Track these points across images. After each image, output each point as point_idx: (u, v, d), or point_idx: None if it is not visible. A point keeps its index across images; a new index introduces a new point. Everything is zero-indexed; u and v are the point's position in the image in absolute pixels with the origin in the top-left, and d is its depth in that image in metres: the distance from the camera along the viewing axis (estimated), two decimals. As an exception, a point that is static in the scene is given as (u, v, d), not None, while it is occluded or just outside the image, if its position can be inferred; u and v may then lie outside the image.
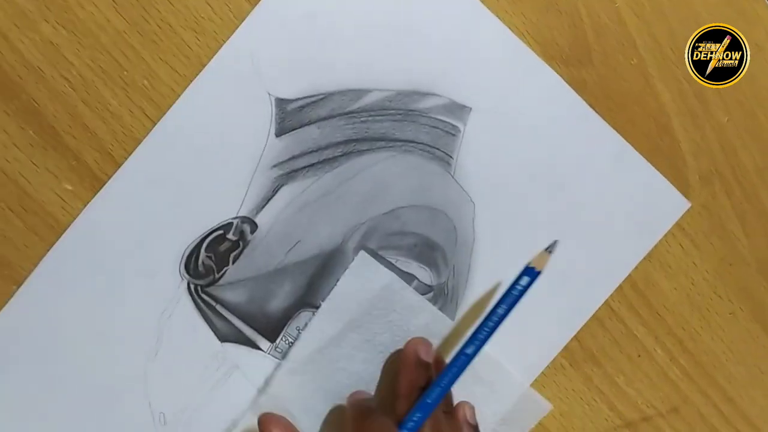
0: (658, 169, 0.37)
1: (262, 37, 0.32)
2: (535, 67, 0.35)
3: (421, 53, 0.34)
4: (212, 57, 0.32)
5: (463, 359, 0.32)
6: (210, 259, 0.33)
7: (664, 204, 0.37)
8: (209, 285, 0.34)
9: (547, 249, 0.33)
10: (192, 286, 0.33)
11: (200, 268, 0.33)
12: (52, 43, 0.31)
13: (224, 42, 0.32)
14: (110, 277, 0.33)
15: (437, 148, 0.35)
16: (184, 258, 0.33)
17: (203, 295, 0.34)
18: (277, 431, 0.32)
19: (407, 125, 0.34)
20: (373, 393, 0.35)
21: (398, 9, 0.33)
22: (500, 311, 0.32)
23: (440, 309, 0.36)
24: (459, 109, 0.35)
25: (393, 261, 0.35)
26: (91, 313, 0.33)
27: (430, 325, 0.36)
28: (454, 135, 0.35)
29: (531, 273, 0.32)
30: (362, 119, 0.34)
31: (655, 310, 0.39)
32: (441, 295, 0.36)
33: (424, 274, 0.36)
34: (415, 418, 0.31)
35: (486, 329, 0.32)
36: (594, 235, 0.37)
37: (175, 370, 0.34)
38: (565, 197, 0.36)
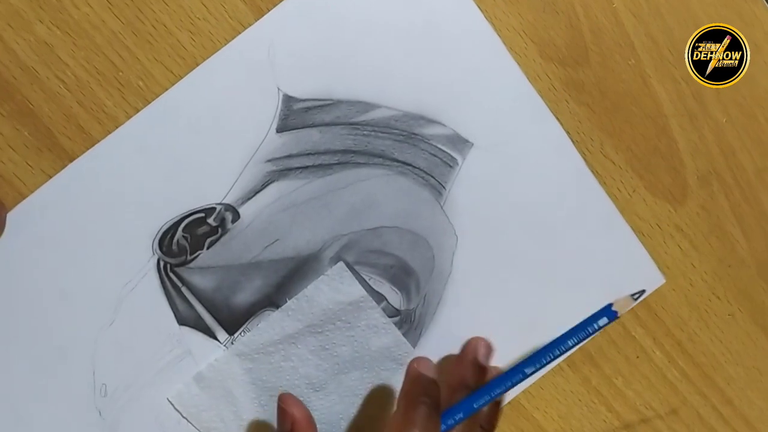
0: (655, 171, 0.37)
1: (284, 31, 0.32)
2: (543, 116, 0.35)
3: (436, 80, 0.34)
4: (207, 57, 0.32)
5: (520, 376, 0.32)
6: (185, 240, 0.33)
7: (641, 277, 0.38)
8: (179, 265, 0.33)
9: (633, 295, 0.32)
10: (161, 264, 0.33)
11: (174, 247, 0.33)
12: (47, 44, 0.31)
13: (220, 42, 0.32)
14: (82, 238, 0.32)
15: (432, 176, 0.35)
16: (160, 234, 0.33)
17: (171, 275, 0.33)
18: (297, 412, 0.32)
19: (407, 147, 0.34)
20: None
21: (423, 33, 0.33)
22: (570, 342, 0.32)
23: (404, 334, 0.36)
24: (461, 143, 0.35)
25: (367, 278, 0.35)
26: (55, 270, 0.32)
27: (392, 349, 0.36)
28: (451, 166, 0.35)
29: (610, 314, 0.32)
30: (365, 132, 0.34)
31: (654, 311, 0.38)
32: (407, 321, 0.36)
33: (395, 297, 0.35)
34: (456, 417, 0.32)
35: (551, 355, 0.32)
36: (568, 290, 0.37)
37: (127, 343, 0.33)
38: (546, 250, 0.36)
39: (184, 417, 0.34)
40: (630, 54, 0.36)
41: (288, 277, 0.34)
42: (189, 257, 0.33)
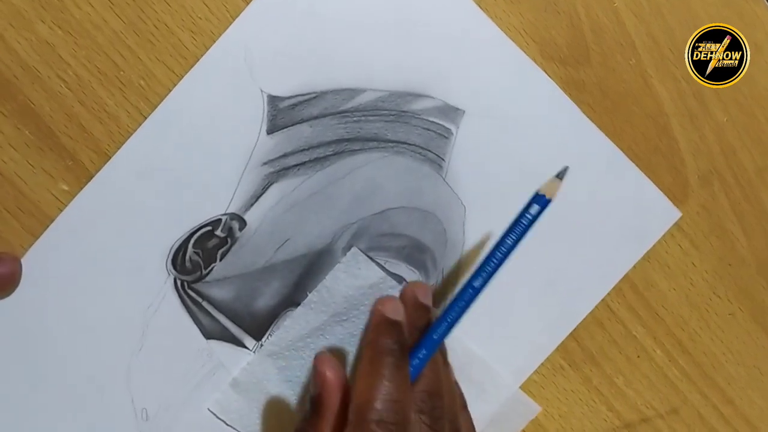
0: (656, 170, 0.37)
1: (256, 34, 0.32)
2: (530, 72, 0.35)
3: (416, 55, 0.34)
4: (209, 57, 0.32)
5: (471, 292, 0.31)
6: (197, 255, 0.33)
7: (655, 213, 0.37)
8: (196, 281, 0.33)
9: (557, 175, 0.31)
10: (178, 282, 0.33)
11: (187, 264, 0.33)
12: (49, 44, 0.31)
13: (221, 42, 0.32)
14: (96, 270, 0.32)
15: (429, 150, 0.35)
16: (172, 253, 0.33)
17: (190, 292, 0.33)
18: (330, 373, 0.31)
19: (400, 126, 0.34)
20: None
21: (394, 9, 0.33)
22: (509, 241, 0.31)
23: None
24: (452, 112, 0.35)
25: (382, 262, 0.35)
26: (76, 307, 0.32)
27: None
28: (446, 137, 0.35)
29: (541, 201, 0.31)
30: (355, 119, 0.34)
31: (654, 310, 0.38)
32: None
33: (413, 277, 0.35)
34: (420, 355, 0.31)
35: (494, 260, 0.31)
36: (584, 241, 0.36)
37: (159, 366, 0.33)
38: (556, 204, 0.36)
39: (228, 425, 0.34)
40: (631, 54, 0.36)
41: (304, 275, 0.34)
42: (204, 272, 0.33)
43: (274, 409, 0.35)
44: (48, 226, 0.32)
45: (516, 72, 0.35)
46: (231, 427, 0.35)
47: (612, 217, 0.37)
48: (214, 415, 0.34)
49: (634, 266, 0.38)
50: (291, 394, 0.35)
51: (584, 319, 0.38)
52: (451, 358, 0.35)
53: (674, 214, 0.38)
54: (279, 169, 0.33)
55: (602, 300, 0.38)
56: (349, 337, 0.35)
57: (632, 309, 0.38)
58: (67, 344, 0.33)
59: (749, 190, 0.38)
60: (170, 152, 0.32)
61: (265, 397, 0.35)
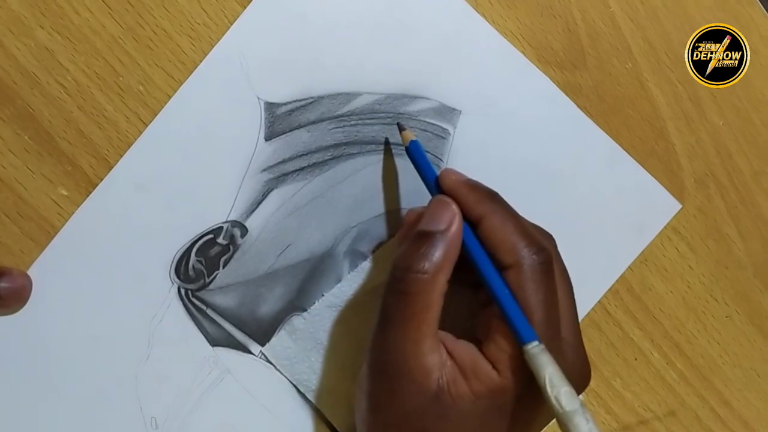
0: (653, 173, 0.37)
1: (251, 41, 0.32)
2: (525, 69, 0.35)
3: (411, 57, 0.34)
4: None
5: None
6: (200, 264, 0.33)
7: (656, 206, 0.38)
8: (200, 289, 0.33)
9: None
10: (182, 291, 0.33)
11: (190, 272, 0.33)
12: (48, 49, 0.31)
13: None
14: (100, 282, 0.33)
15: (427, 151, 0.35)
16: (175, 262, 0.33)
17: (194, 300, 0.33)
18: (459, 215, 0.28)
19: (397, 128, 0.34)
20: None
21: (388, 12, 0.33)
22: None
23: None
24: (449, 112, 0.35)
25: None
26: (81, 318, 0.33)
27: None
28: (444, 138, 0.35)
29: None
30: (352, 123, 0.34)
31: (651, 313, 0.39)
32: None
33: None
34: None
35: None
36: (585, 237, 0.37)
37: (166, 374, 0.34)
38: (555, 200, 0.36)
39: (277, 369, 0.34)
40: (627, 57, 0.36)
41: (307, 280, 0.34)
42: (207, 279, 0.33)
43: (325, 361, 0.35)
44: (47, 231, 0.32)
45: (510, 70, 0.35)
46: (280, 372, 0.34)
47: (613, 210, 0.37)
48: (265, 358, 0.34)
49: (632, 269, 0.38)
50: (346, 348, 0.34)
51: (581, 321, 0.38)
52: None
53: (674, 206, 0.38)
54: (278, 175, 0.34)
55: (599, 302, 0.38)
56: None
57: (629, 312, 0.38)
58: (74, 356, 0.33)
59: (745, 193, 0.38)
60: (169, 162, 0.32)
61: (317, 347, 0.34)
